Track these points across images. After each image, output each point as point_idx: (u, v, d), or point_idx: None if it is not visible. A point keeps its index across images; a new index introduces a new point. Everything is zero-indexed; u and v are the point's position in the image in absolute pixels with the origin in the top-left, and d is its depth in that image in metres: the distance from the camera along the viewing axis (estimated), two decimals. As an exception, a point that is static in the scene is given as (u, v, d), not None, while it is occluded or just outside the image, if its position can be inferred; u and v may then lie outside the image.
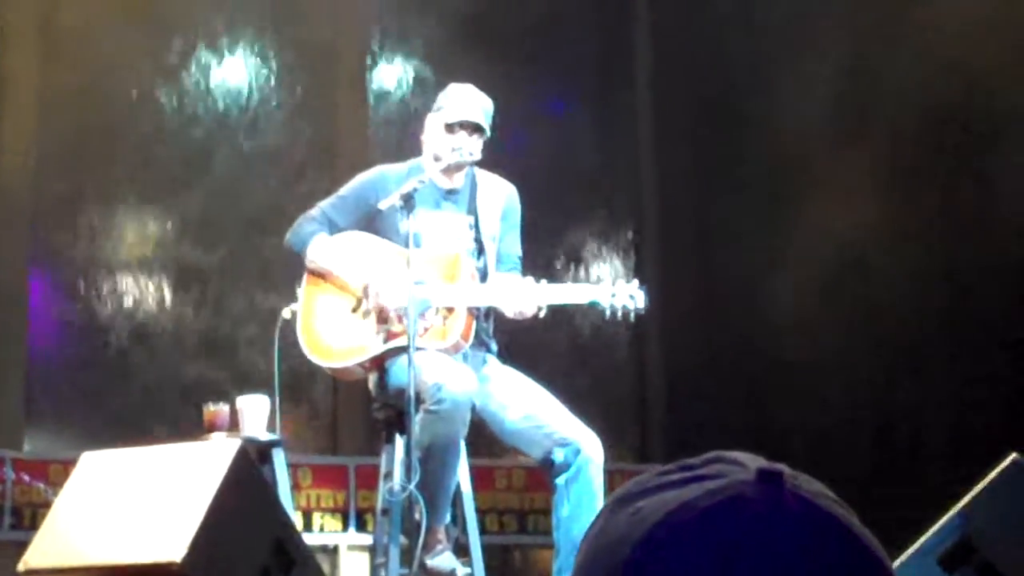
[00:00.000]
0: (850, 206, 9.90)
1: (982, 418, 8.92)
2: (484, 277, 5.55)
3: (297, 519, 8.68)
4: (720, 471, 1.09)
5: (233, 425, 6.22)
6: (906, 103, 9.70)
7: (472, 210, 5.66)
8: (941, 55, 9.28)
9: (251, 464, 4.79)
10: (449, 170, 5.59)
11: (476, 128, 5.54)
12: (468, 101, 5.58)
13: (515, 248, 5.72)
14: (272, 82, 11.49)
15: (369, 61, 11.95)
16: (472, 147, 5.54)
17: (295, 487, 9.00)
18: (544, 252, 11.71)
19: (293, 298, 5.75)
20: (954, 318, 9.40)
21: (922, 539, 4.51)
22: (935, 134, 9.68)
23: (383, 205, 5.37)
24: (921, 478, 8.96)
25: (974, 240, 9.36)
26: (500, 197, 5.72)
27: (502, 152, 5.92)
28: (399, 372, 5.30)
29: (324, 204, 5.68)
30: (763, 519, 1.04)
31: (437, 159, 5.55)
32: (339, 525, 10.26)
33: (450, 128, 5.55)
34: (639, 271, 12.02)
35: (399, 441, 5.42)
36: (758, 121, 10.96)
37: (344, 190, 5.72)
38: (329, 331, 5.52)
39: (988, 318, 9.18)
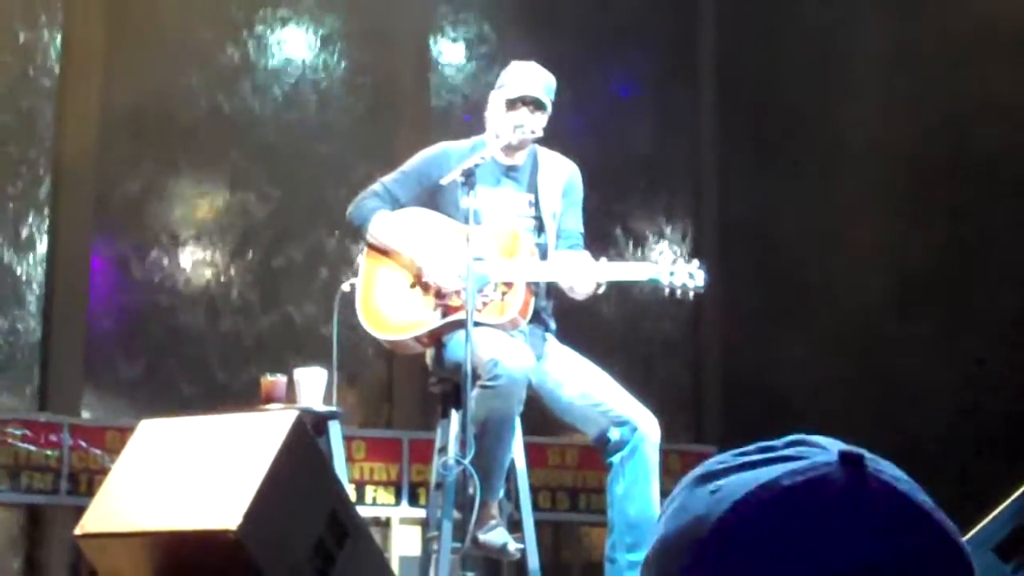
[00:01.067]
0: (904, 191, 9.89)
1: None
2: (544, 255, 5.54)
3: (351, 491, 8.71)
4: (801, 452, 1.09)
5: (290, 396, 6.25)
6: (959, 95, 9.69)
7: (533, 187, 5.65)
8: (993, 47, 9.25)
9: (307, 435, 4.80)
10: (511, 147, 5.58)
11: (538, 105, 5.53)
12: (530, 77, 5.58)
13: (576, 225, 5.71)
14: (335, 57, 11.51)
15: (431, 41, 11.95)
16: (534, 124, 5.53)
17: (349, 460, 9.04)
18: (604, 232, 11.69)
19: (353, 271, 5.77)
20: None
21: (977, 528, 4.49)
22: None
23: (445, 181, 5.38)
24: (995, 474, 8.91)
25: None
26: (562, 175, 5.71)
27: (563, 131, 5.91)
28: (456, 347, 5.31)
29: (386, 179, 5.69)
30: (847, 500, 1.05)
31: (498, 136, 5.54)
32: (392, 498, 10.30)
33: (512, 104, 5.54)
34: (697, 251, 11.99)
35: (454, 416, 5.43)
36: (816, 108, 10.95)
37: (406, 166, 5.72)
38: (388, 304, 5.53)
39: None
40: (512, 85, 5.57)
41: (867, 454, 1.08)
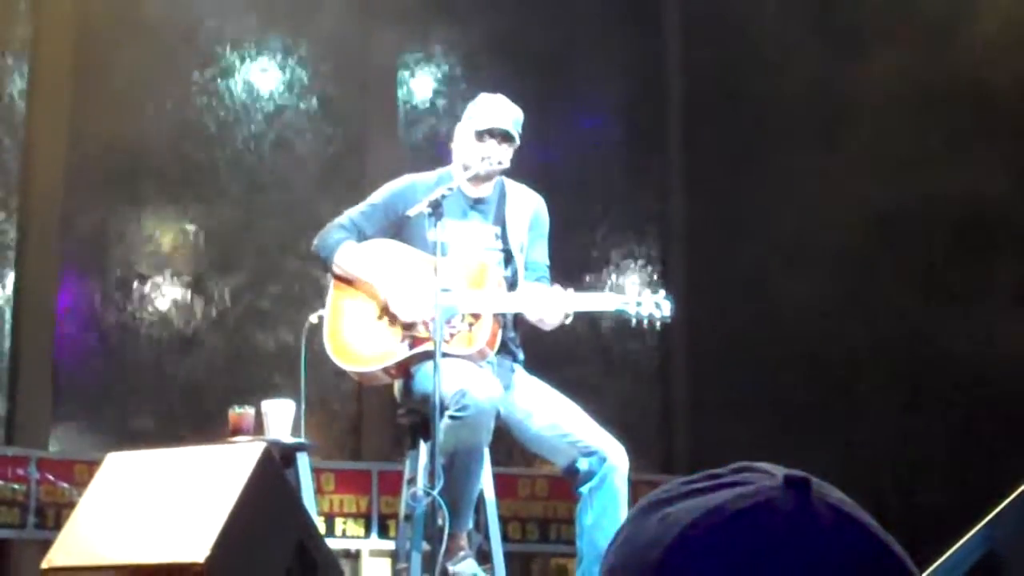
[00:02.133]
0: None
1: None
2: (512, 286, 5.55)
3: (320, 524, 8.69)
4: (747, 478, 1.10)
5: (258, 429, 6.24)
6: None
7: (500, 220, 5.66)
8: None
9: (276, 467, 4.80)
10: (478, 179, 5.59)
11: (505, 137, 5.54)
12: (498, 110, 5.59)
13: (543, 257, 5.72)
14: (302, 93, 11.52)
15: (399, 74, 11.97)
16: (501, 156, 5.54)
17: (318, 492, 9.01)
18: (572, 261, 11.71)
19: (319, 305, 5.76)
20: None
21: (947, 554, 4.49)
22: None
23: (412, 212, 5.37)
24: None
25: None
26: (528, 207, 5.72)
27: (530, 163, 5.92)
28: (424, 378, 5.31)
29: (352, 212, 5.69)
30: (794, 523, 1.05)
31: (466, 168, 5.55)
32: (361, 530, 10.28)
33: (480, 136, 5.55)
34: (665, 282, 12.02)
35: (423, 447, 5.42)
36: (786, 135, 10.99)
37: (373, 198, 5.72)
38: (355, 336, 5.52)
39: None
40: (480, 117, 5.58)
41: (813, 479, 1.09)
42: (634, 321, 5.38)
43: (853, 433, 10.03)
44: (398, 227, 5.58)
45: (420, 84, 12.14)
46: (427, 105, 12.10)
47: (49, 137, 10.41)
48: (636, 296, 5.39)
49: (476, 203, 5.66)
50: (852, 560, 1.05)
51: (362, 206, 5.70)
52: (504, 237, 5.64)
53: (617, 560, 1.11)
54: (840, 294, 10.27)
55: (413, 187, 5.63)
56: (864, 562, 1.05)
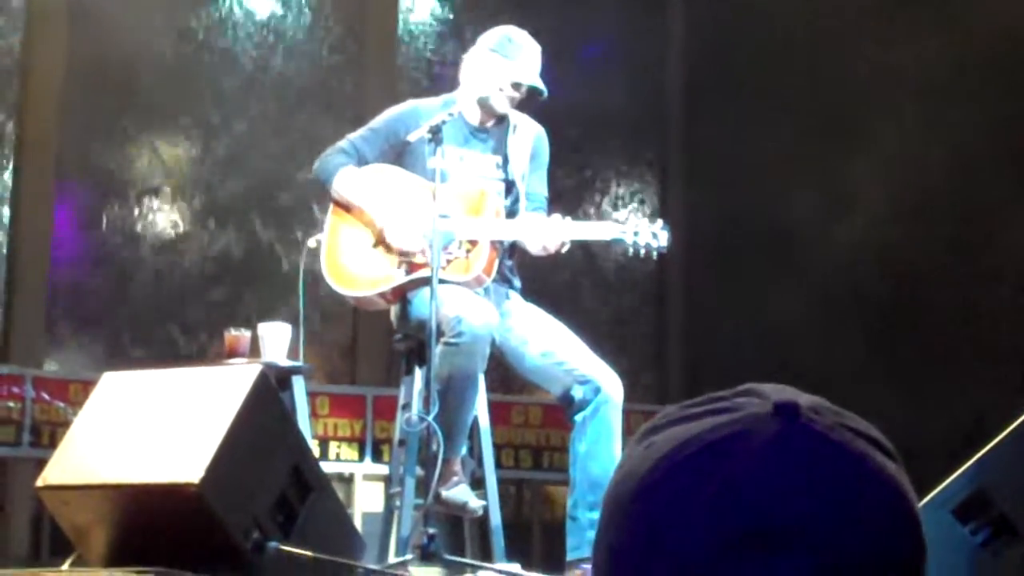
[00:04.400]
0: (883, 145, 9.89)
1: None
2: (512, 216, 5.55)
3: (314, 447, 8.71)
4: (739, 404, 1.07)
5: (254, 351, 6.25)
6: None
7: (502, 149, 5.65)
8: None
9: (271, 390, 4.81)
10: (488, 112, 5.58)
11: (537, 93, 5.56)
12: (536, 60, 5.57)
13: (542, 188, 5.72)
14: (301, 13, 11.46)
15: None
16: (518, 101, 5.58)
17: (313, 415, 9.04)
18: (570, 190, 11.71)
19: (316, 230, 5.75)
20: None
21: (937, 490, 4.51)
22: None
23: (412, 137, 5.36)
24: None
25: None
26: (529, 137, 5.71)
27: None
28: (420, 304, 5.32)
29: (354, 136, 5.67)
30: (764, 453, 1.02)
31: (482, 100, 5.53)
32: (355, 454, 10.31)
33: (517, 86, 5.53)
34: (663, 211, 12.02)
35: (418, 372, 5.44)
36: (789, 65, 10.95)
37: (375, 122, 5.70)
38: (353, 261, 5.52)
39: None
40: (522, 66, 5.53)
41: (806, 402, 1.05)
42: (631, 250, 5.38)
43: (848, 363, 10.04)
44: (399, 152, 5.57)
45: (420, 7, 12.07)
46: (426, 30, 12.04)
47: (45, 61, 10.36)
48: (633, 226, 5.39)
49: (478, 131, 5.65)
50: (831, 491, 1.01)
51: (363, 130, 5.69)
52: (505, 167, 5.63)
53: (609, 487, 1.10)
54: (837, 222, 10.26)
55: (416, 112, 5.61)
56: (844, 493, 1.02)
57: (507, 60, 5.55)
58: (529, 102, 5.75)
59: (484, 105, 5.54)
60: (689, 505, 1.02)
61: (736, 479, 1.02)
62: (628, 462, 1.08)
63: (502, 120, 5.69)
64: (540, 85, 5.53)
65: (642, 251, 5.38)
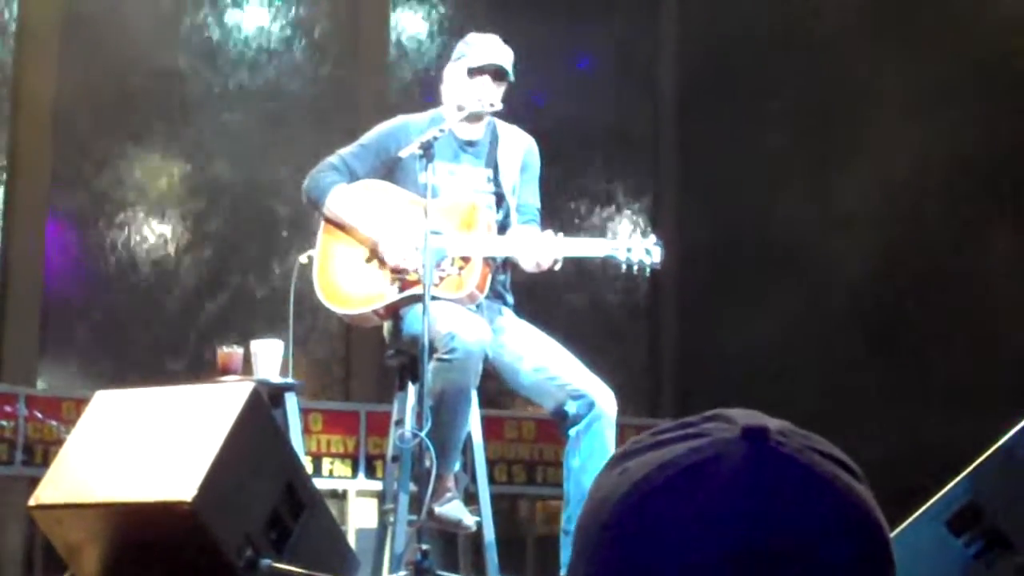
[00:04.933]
0: (881, 155, 9.89)
1: None
2: (503, 229, 5.55)
3: (307, 464, 8.71)
4: (707, 429, 1.07)
5: (247, 368, 6.24)
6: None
7: (492, 162, 5.66)
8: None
9: (264, 407, 4.81)
10: (470, 119, 5.58)
11: (498, 75, 5.53)
12: (491, 48, 5.58)
13: (533, 200, 5.72)
14: (294, 33, 11.47)
15: (391, 9, 11.92)
16: (493, 96, 5.53)
17: (306, 432, 9.02)
18: (562, 205, 11.72)
19: (309, 246, 5.76)
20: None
21: (930, 502, 4.51)
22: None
23: (403, 154, 5.37)
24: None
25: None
26: (519, 149, 5.72)
27: (522, 105, 5.91)
28: (413, 320, 5.32)
29: (344, 152, 5.67)
30: (742, 477, 1.03)
31: (459, 108, 5.54)
32: (349, 470, 10.30)
33: (471, 74, 5.54)
34: (656, 226, 12.02)
35: (411, 389, 5.44)
36: (781, 80, 10.96)
37: (365, 139, 5.71)
38: (345, 278, 5.53)
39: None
40: (473, 55, 5.57)
41: (774, 426, 1.06)
42: (624, 267, 5.39)
43: (843, 376, 10.04)
44: (390, 168, 5.57)
45: (411, 23, 12.08)
46: (417, 45, 12.05)
47: (37, 80, 10.36)
48: (626, 242, 5.40)
49: (467, 145, 5.66)
50: (800, 516, 1.02)
51: (354, 146, 5.69)
52: (496, 180, 5.64)
53: (583, 514, 1.10)
54: (833, 233, 10.26)
55: (406, 127, 5.62)
56: (813, 518, 1.02)
57: (461, 60, 5.59)
58: (517, 113, 5.77)
59: (462, 111, 5.54)
60: (663, 531, 1.03)
61: (708, 504, 1.02)
62: (601, 490, 1.09)
63: (492, 133, 5.69)
64: (495, 62, 5.52)
65: (635, 268, 5.40)
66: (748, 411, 1.09)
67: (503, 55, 5.57)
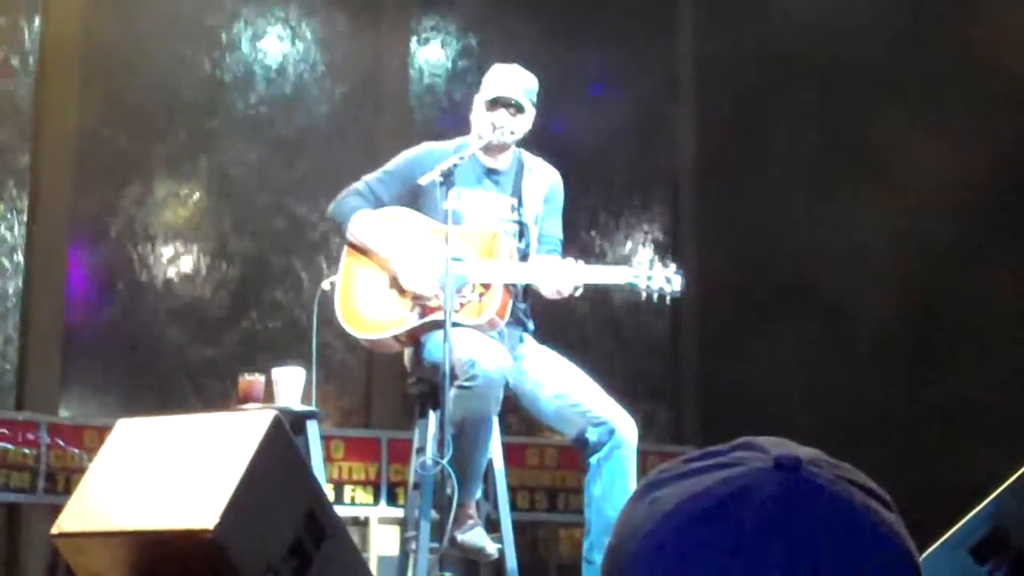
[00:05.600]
0: (898, 191, 9.87)
1: None
2: (525, 258, 5.56)
3: (329, 491, 8.70)
4: (740, 458, 1.07)
5: (268, 396, 6.25)
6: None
7: (516, 192, 5.67)
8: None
9: (285, 435, 4.80)
10: (491, 148, 5.60)
11: (517, 107, 5.55)
12: (509, 79, 5.60)
13: (556, 230, 5.74)
14: (316, 60, 11.51)
15: (414, 37, 11.96)
16: (513, 125, 5.55)
17: (327, 459, 9.03)
18: (582, 232, 11.72)
19: (331, 272, 5.77)
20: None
21: (954, 529, 4.50)
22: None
23: (423, 180, 5.38)
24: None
25: None
26: (544, 181, 5.74)
27: (541, 133, 5.92)
28: (434, 347, 5.32)
29: (370, 178, 5.70)
30: (776, 507, 1.03)
31: (480, 137, 5.56)
32: (370, 498, 10.30)
33: (491, 105, 5.56)
34: (676, 254, 12.02)
35: (432, 416, 5.44)
36: (800, 106, 10.96)
37: (390, 165, 5.73)
38: (367, 304, 5.54)
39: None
40: (491, 86, 5.60)
41: (807, 455, 1.06)
42: (644, 295, 5.39)
43: (867, 402, 10.02)
44: (414, 194, 5.59)
45: (432, 51, 12.12)
46: (437, 73, 12.08)
47: (59, 104, 10.40)
48: (647, 270, 5.40)
49: (491, 173, 5.67)
50: (834, 546, 1.02)
51: (379, 172, 5.72)
52: (519, 209, 5.65)
53: (612, 542, 1.10)
54: (855, 262, 10.25)
55: (430, 154, 5.64)
56: (845, 548, 1.02)
57: (482, 91, 5.61)
58: (542, 146, 5.78)
59: (482, 140, 5.56)
60: (696, 563, 1.02)
61: (741, 535, 1.02)
62: (631, 519, 1.08)
63: (518, 163, 5.71)
64: (508, 95, 5.54)
65: (655, 295, 5.39)
66: (779, 440, 1.08)
67: (520, 86, 5.59)
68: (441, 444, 5.10)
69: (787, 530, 1.02)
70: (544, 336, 5.71)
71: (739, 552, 1.02)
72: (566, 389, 5.41)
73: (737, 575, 1.01)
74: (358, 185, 5.69)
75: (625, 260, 12.07)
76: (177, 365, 10.72)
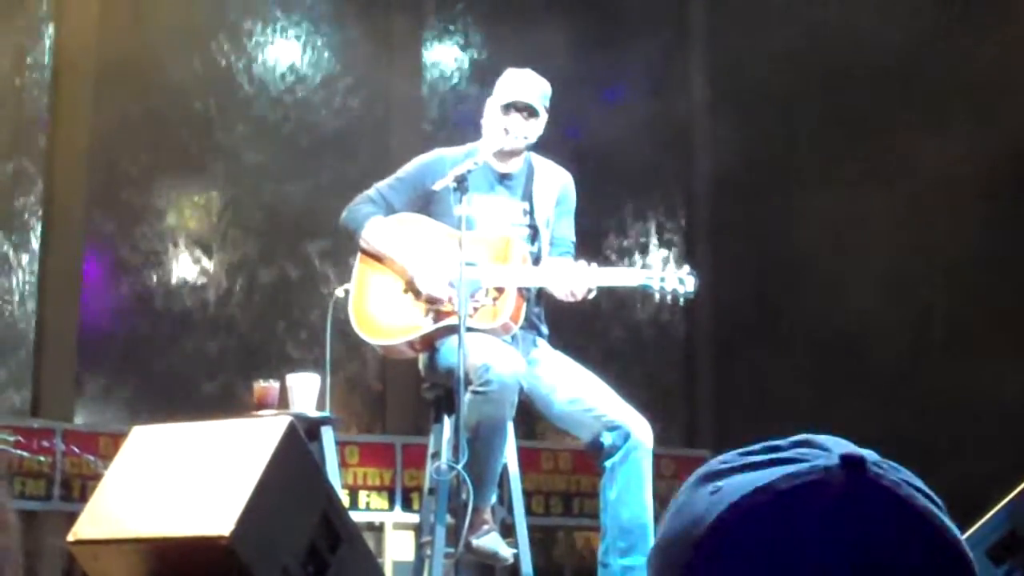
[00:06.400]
0: (919, 199, 9.86)
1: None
2: (537, 262, 5.55)
3: (344, 497, 8.70)
4: (803, 455, 1.08)
5: (283, 402, 6.25)
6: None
7: (528, 196, 5.66)
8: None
9: (300, 441, 4.80)
10: (503, 153, 5.59)
11: (530, 111, 5.54)
12: (523, 84, 5.59)
13: (569, 233, 5.73)
14: (327, 66, 11.52)
15: (424, 44, 11.97)
16: (527, 130, 5.54)
17: (342, 465, 9.03)
18: (595, 235, 11.71)
19: (344, 278, 5.77)
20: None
21: (970, 531, 4.49)
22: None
23: (437, 186, 5.38)
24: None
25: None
26: (556, 184, 5.73)
27: (554, 137, 5.91)
28: (448, 352, 5.32)
29: (382, 185, 5.70)
30: (842, 505, 1.04)
31: (494, 142, 5.56)
32: (385, 503, 10.30)
33: (505, 110, 5.56)
34: (690, 255, 12.02)
35: (447, 421, 5.43)
36: (815, 107, 10.95)
37: (402, 172, 5.73)
38: (381, 309, 5.54)
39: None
40: (504, 91, 5.59)
41: (871, 457, 1.07)
42: (658, 296, 5.38)
43: (879, 406, 10.00)
44: (426, 200, 5.59)
45: (444, 56, 12.13)
46: (449, 79, 12.09)
47: (73, 114, 10.43)
48: (660, 271, 5.40)
49: (503, 178, 5.67)
50: (900, 546, 1.04)
51: (391, 179, 5.72)
52: (532, 213, 5.64)
53: (667, 531, 1.10)
54: (868, 270, 10.23)
55: (442, 161, 5.63)
56: (910, 551, 1.04)
57: (496, 94, 5.60)
58: (553, 148, 5.78)
59: (495, 146, 5.55)
60: (760, 553, 1.04)
61: (807, 529, 1.03)
62: (692, 507, 1.09)
63: (529, 167, 5.71)
64: (523, 99, 5.53)
65: (669, 297, 5.38)
66: (837, 439, 1.09)
67: (533, 90, 5.58)
68: (456, 449, 5.10)
69: (854, 529, 1.03)
70: (557, 340, 5.70)
71: (806, 547, 1.03)
72: (580, 393, 5.41)
73: (804, 570, 1.02)
74: (370, 192, 5.69)
75: (639, 264, 12.06)
76: (191, 372, 10.73)
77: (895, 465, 1.09)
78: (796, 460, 1.08)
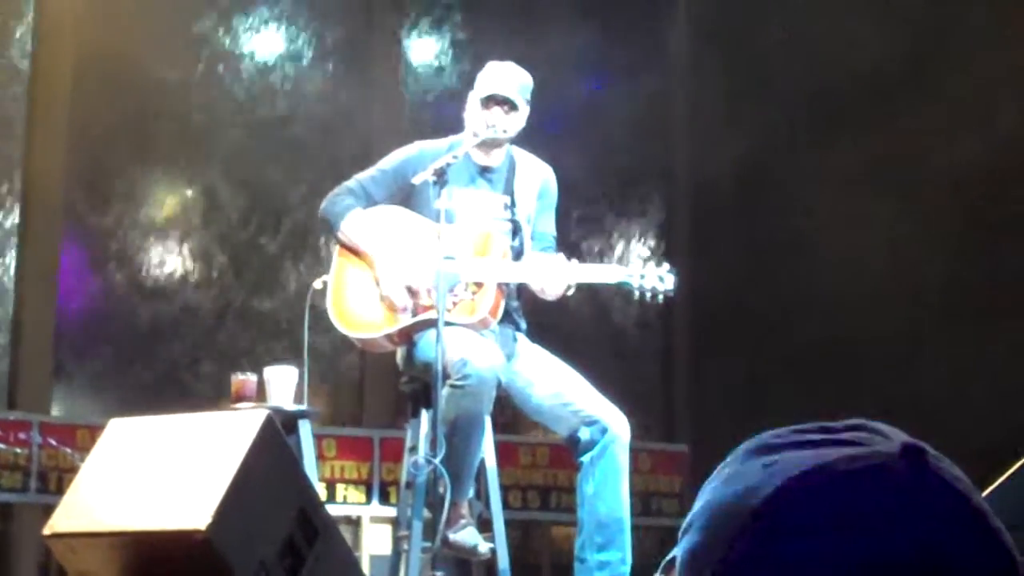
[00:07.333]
0: (903, 195, 9.87)
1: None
2: (518, 256, 5.55)
3: (321, 490, 8.70)
4: (862, 438, 1.08)
5: (260, 395, 6.24)
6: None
7: (509, 190, 5.66)
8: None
9: (277, 434, 4.80)
10: (484, 146, 5.59)
11: (511, 104, 5.54)
12: (503, 77, 5.58)
13: (550, 228, 5.72)
14: (308, 55, 11.50)
15: (404, 35, 11.95)
16: (507, 123, 5.54)
17: (320, 458, 9.02)
18: (575, 231, 11.71)
19: (322, 270, 5.76)
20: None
21: (997, 483, 4.49)
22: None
23: (416, 180, 5.38)
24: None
25: None
26: (537, 178, 5.72)
27: (536, 130, 5.91)
28: (426, 346, 5.32)
29: (362, 177, 5.68)
30: (905, 493, 1.04)
31: (475, 135, 5.55)
32: (363, 497, 10.30)
33: (485, 103, 5.55)
34: (669, 253, 12.03)
35: (424, 415, 5.43)
36: (795, 97, 10.96)
37: (383, 164, 5.72)
38: (359, 302, 5.53)
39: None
40: (485, 84, 5.58)
41: (929, 449, 1.08)
42: (637, 294, 5.39)
43: (859, 404, 10.01)
44: (407, 193, 5.58)
45: (424, 47, 12.11)
46: (429, 69, 12.08)
47: (51, 105, 10.40)
48: (640, 269, 5.40)
49: (485, 171, 5.66)
50: (956, 540, 1.04)
51: (372, 171, 5.70)
52: (512, 207, 5.64)
53: (714, 499, 1.09)
54: (845, 270, 10.24)
55: (422, 154, 5.63)
56: (967, 544, 1.04)
57: (477, 89, 5.60)
58: (534, 143, 5.78)
59: (475, 139, 5.55)
60: (819, 530, 1.03)
61: (869, 512, 1.03)
62: (744, 476, 1.08)
63: (511, 161, 5.70)
64: (503, 93, 5.53)
65: (648, 294, 5.39)
66: (892, 428, 1.10)
67: (515, 83, 5.57)
68: (433, 443, 5.10)
69: (917, 519, 1.03)
70: (536, 335, 5.70)
71: (868, 531, 1.03)
72: (558, 388, 5.41)
73: (864, 552, 1.02)
74: (350, 184, 5.68)
75: (618, 261, 12.07)
76: (169, 365, 10.72)
77: (949, 461, 1.10)
78: (854, 443, 1.08)
